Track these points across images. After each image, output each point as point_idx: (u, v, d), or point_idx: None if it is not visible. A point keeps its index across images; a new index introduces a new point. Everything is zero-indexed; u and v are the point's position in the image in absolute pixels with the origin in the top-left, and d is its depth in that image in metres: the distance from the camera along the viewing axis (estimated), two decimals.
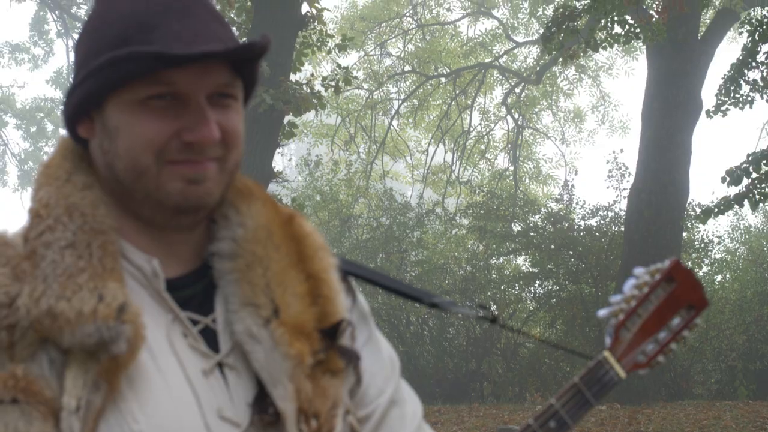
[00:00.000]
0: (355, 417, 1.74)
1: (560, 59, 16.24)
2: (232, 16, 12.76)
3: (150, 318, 1.62)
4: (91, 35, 1.64)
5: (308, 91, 12.77)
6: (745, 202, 11.80)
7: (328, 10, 12.87)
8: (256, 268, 1.66)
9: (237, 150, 1.67)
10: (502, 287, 18.25)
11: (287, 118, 13.59)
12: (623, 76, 50.82)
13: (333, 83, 13.28)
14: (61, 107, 1.61)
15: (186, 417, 1.59)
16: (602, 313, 1.85)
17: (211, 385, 1.63)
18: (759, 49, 12.36)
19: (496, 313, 1.78)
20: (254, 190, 1.76)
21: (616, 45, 12.96)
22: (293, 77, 13.12)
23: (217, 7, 13.64)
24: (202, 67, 1.60)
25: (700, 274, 17.42)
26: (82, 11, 22.92)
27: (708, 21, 18.17)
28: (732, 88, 12.93)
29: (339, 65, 13.52)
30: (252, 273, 1.66)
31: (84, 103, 1.64)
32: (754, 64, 12.62)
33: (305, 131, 23.83)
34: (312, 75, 13.51)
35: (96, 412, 1.54)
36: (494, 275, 18.40)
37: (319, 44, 13.31)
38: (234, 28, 12.82)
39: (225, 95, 1.65)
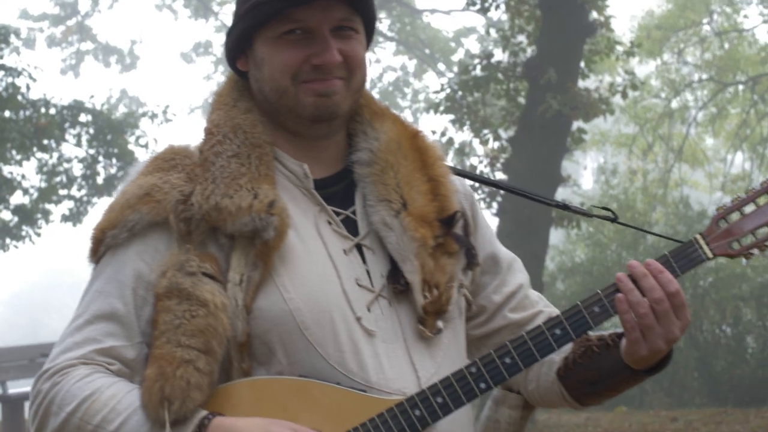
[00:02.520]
0: (468, 290, 2.14)
1: None
2: (521, 24, 13.21)
3: (300, 210, 2.02)
4: None
5: (597, 97, 13.08)
6: None
7: (614, 17, 13.15)
8: (388, 172, 2.06)
9: (360, 71, 2.07)
10: None
11: (576, 124, 13.92)
12: None
13: (620, 89, 13.52)
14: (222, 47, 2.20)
15: (327, 285, 1.97)
16: (712, 210, 2.14)
17: (350, 260, 2.02)
18: None
19: (616, 213, 2.18)
20: (386, 111, 2.16)
21: None
22: (581, 83, 13.41)
23: (505, 16, 14.04)
24: (324, 5, 1.99)
25: None
26: None
27: None
28: None
29: (627, 71, 13.74)
30: (385, 176, 2.06)
31: (238, 42, 2.07)
32: None
33: (603, 140, 24.04)
34: (600, 81, 13.76)
35: (255, 285, 1.93)
36: None
37: (607, 51, 13.57)
38: (524, 36, 13.39)
39: (346, 28, 2.03)
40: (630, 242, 18.97)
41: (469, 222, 2.15)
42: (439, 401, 1.91)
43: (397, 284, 2.02)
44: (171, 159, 2.04)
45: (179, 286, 1.91)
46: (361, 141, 2.11)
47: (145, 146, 16.29)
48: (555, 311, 2.23)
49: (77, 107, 16.02)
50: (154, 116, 17.07)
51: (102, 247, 2.01)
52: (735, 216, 2.03)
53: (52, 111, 15.73)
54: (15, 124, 14.64)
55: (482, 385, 1.93)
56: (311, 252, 1.99)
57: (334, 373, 1.93)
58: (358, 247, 2.05)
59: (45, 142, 15.42)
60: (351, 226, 2.06)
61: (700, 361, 17.31)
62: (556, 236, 20.76)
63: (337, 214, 2.06)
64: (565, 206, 2.38)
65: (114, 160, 16.14)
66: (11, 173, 15.42)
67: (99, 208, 16.38)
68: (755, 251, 2.02)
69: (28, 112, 15.27)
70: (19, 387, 13.00)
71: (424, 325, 2.00)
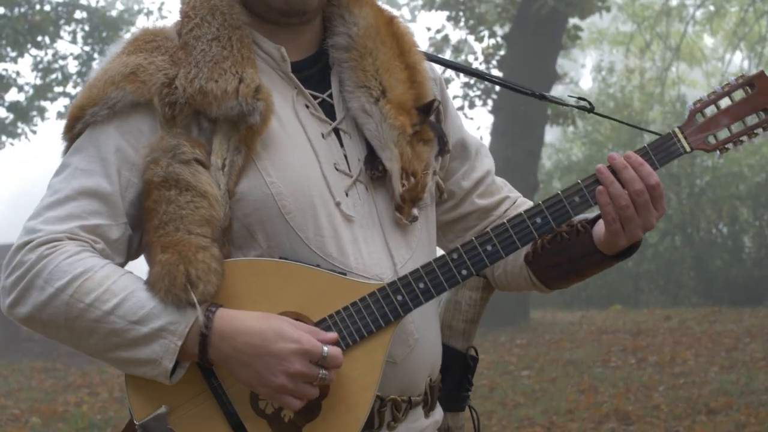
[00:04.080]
0: (440, 176, 2.16)
1: None
2: None
3: (278, 94, 1.99)
4: None
5: None
6: None
7: None
8: (367, 58, 2.05)
9: None
10: None
11: (572, 22, 13.88)
12: None
13: None
14: None
15: (307, 169, 1.97)
16: (688, 104, 2.05)
17: (328, 144, 2.02)
18: None
19: (592, 103, 2.18)
20: None
21: None
22: None
23: None
24: None
25: None
26: None
27: None
28: None
29: None
30: (364, 62, 2.04)
31: None
32: None
33: (600, 38, 23.93)
34: None
35: (238, 170, 1.93)
36: None
37: None
38: None
39: None
40: (627, 141, 19.03)
41: (440, 109, 2.15)
42: (421, 287, 1.92)
43: (374, 170, 2.02)
44: (152, 41, 2.00)
45: (177, 176, 1.89)
46: (339, 25, 2.09)
47: None
48: (518, 196, 2.29)
49: (72, 4, 15.90)
50: (149, 13, 16.97)
51: (79, 124, 1.96)
52: (710, 110, 2.03)
53: (47, 7, 15.62)
54: (9, 21, 14.57)
55: (464, 272, 1.95)
56: (291, 136, 1.99)
57: (314, 258, 1.94)
58: (336, 132, 2.05)
59: (39, 38, 15.34)
60: (327, 109, 2.05)
61: (696, 260, 17.49)
62: (553, 134, 20.81)
63: (314, 97, 2.05)
64: (541, 96, 2.37)
65: None
66: (6, 70, 15.39)
67: None
68: (729, 146, 2.04)
69: (22, 9, 15.18)
70: None
71: (401, 212, 2.02)
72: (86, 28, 15.98)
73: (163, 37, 2.01)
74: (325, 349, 1.82)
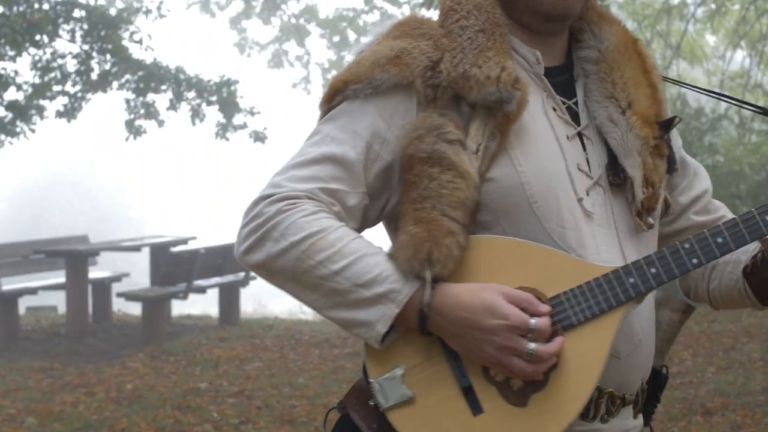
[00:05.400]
0: (667, 191, 2.25)
1: None
2: None
3: (531, 92, 2.11)
4: None
5: None
6: None
7: None
8: (616, 72, 2.18)
9: None
10: None
11: None
12: None
13: None
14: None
15: (554, 164, 2.10)
16: None
17: (572, 146, 2.14)
18: None
19: None
20: (610, 15, 2.28)
21: None
22: None
23: None
24: None
25: None
26: None
27: None
28: None
29: None
30: (614, 75, 2.18)
31: None
32: None
33: None
34: None
35: (491, 155, 2.05)
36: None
37: None
38: None
39: None
40: None
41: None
42: (653, 271, 2.00)
43: (616, 177, 2.13)
44: (418, 27, 2.13)
45: (442, 154, 2.00)
46: (589, 39, 2.22)
47: (140, 42, 16.14)
48: (735, 217, 2.28)
49: (71, 2, 15.85)
50: (148, 12, 16.93)
51: (339, 96, 2.11)
52: None
53: (46, 6, 15.59)
54: (7, 20, 14.54)
55: (694, 261, 2.02)
56: (540, 132, 2.11)
57: (555, 247, 2.04)
58: (579, 136, 2.16)
59: (38, 37, 15.31)
60: (572, 115, 2.17)
61: None
62: None
63: (562, 102, 2.17)
64: (765, 111, 2.40)
65: (108, 56, 15.99)
66: (4, 69, 15.35)
67: (93, 104, 16.50)
68: None
69: (21, 8, 15.15)
70: (12, 284, 13.10)
71: (639, 218, 2.13)
72: (85, 26, 15.91)
73: (429, 26, 2.14)
74: (532, 321, 1.92)
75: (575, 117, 2.18)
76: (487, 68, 2.04)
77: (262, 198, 2.02)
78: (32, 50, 15.65)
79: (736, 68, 23.84)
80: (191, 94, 16.28)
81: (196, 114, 16.34)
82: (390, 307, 1.94)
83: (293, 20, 24.34)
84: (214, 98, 16.16)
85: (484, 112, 2.05)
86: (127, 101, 16.27)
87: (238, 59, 25.73)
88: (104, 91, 16.13)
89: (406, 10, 22.29)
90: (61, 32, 15.93)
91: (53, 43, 15.95)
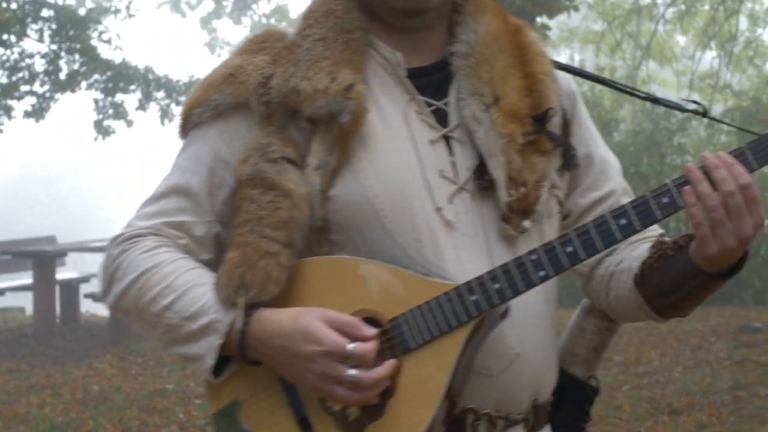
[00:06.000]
0: (562, 192, 2.07)
1: None
2: None
3: (391, 98, 2.00)
4: None
5: None
6: None
7: None
8: (483, 65, 2.01)
9: None
10: (765, 194, 17.96)
11: (539, 20, 13.87)
12: None
13: None
14: None
15: (408, 173, 1.95)
16: None
17: (435, 151, 1.98)
18: None
19: (707, 106, 2.06)
20: (489, 4, 2.09)
21: None
22: None
23: None
24: None
25: None
26: None
27: None
28: None
29: None
30: (480, 69, 2.01)
31: None
32: None
33: (571, 37, 23.95)
34: None
35: (332, 171, 1.93)
36: (757, 181, 18.08)
37: None
38: None
39: None
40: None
41: (568, 120, 2.10)
42: (496, 287, 1.86)
43: (481, 180, 1.97)
44: (262, 41, 2.05)
45: (263, 174, 1.92)
46: (461, 33, 2.06)
47: (108, 42, 16.08)
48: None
49: (39, 2, 15.76)
50: (117, 11, 16.85)
51: (189, 124, 2.05)
52: None
53: (14, 5, 15.50)
54: None
55: (541, 273, 1.87)
56: (395, 140, 1.97)
57: (411, 262, 1.91)
58: (447, 139, 2.01)
59: (5, 37, 15.21)
60: (442, 117, 2.02)
61: None
62: None
63: (429, 105, 2.03)
64: (655, 99, 2.26)
65: (77, 56, 15.92)
66: None
67: (62, 104, 16.40)
68: None
69: None
70: None
71: (508, 223, 1.96)
72: (53, 26, 15.83)
73: (275, 39, 2.05)
74: (349, 347, 1.80)
75: (446, 119, 2.02)
76: (316, 80, 1.93)
77: (112, 240, 2.01)
78: (0, 50, 15.54)
79: (705, 68, 23.98)
80: (160, 94, 16.25)
81: (165, 114, 16.31)
82: (214, 338, 1.87)
83: (264, 20, 24.28)
84: (183, 98, 16.10)
85: (324, 126, 1.94)
86: (96, 101, 16.20)
87: (208, 59, 25.67)
88: (73, 91, 16.05)
89: None
90: (29, 32, 15.84)
91: (21, 43, 15.86)
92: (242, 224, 1.93)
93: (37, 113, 15.94)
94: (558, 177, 2.06)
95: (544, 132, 2.01)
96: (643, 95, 2.28)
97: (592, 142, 2.18)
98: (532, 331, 1.99)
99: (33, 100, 15.92)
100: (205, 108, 2.01)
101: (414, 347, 1.87)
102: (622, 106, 21.46)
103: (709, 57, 24.10)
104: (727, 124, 2.45)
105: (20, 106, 15.95)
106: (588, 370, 2.18)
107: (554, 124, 2.05)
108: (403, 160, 1.96)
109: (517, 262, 1.87)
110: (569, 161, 2.07)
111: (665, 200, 1.85)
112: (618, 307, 2.11)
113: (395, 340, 1.88)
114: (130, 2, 16.80)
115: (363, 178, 1.94)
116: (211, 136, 2.01)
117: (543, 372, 2.04)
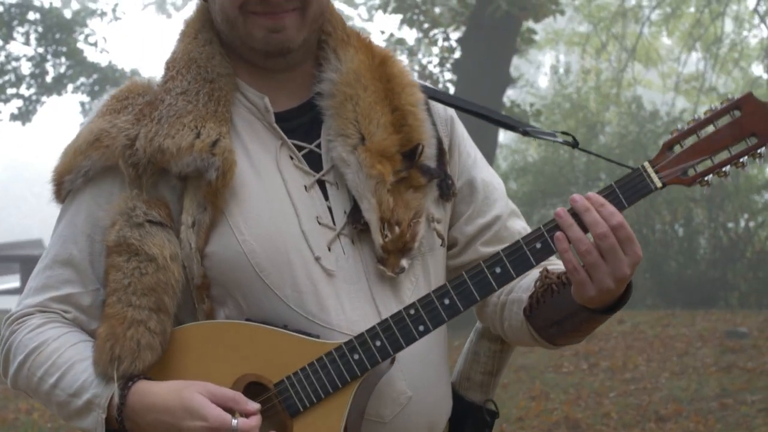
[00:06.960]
0: (440, 224, 2.03)
1: None
2: None
3: (261, 145, 1.96)
4: None
5: None
6: None
7: None
8: (346, 105, 1.95)
9: (315, 1, 1.94)
10: (752, 196, 18.00)
11: (526, 24, 13.91)
12: None
13: None
14: None
15: (284, 224, 1.91)
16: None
17: (311, 197, 1.94)
18: None
19: (576, 137, 2.02)
20: (352, 38, 2.03)
21: None
22: None
23: None
24: None
25: None
26: None
27: None
28: None
29: None
30: (343, 108, 1.95)
31: None
32: None
33: (556, 39, 23.97)
34: None
35: (206, 228, 1.89)
36: (742, 183, 18.15)
37: None
38: None
39: None
40: (582, 144, 19.05)
41: (444, 150, 2.05)
42: (378, 345, 1.85)
43: (357, 223, 1.94)
44: (125, 98, 1.98)
45: (127, 240, 1.88)
46: (325, 71, 2.01)
47: (95, 45, 16.08)
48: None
49: (25, 5, 15.76)
50: (103, 14, 16.83)
51: (63, 190, 2.00)
52: (691, 140, 1.84)
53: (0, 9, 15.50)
54: None
55: (421, 328, 1.86)
56: (268, 190, 1.93)
57: (293, 315, 1.89)
58: (321, 183, 1.97)
59: None
60: (316, 160, 1.98)
61: (650, 261, 17.53)
62: (508, 135, 20.85)
63: (301, 148, 1.98)
64: (525, 132, 2.14)
65: (63, 59, 15.93)
66: None
67: (48, 107, 16.39)
68: (710, 177, 1.85)
69: None
70: None
71: (385, 264, 1.93)
72: (39, 29, 15.84)
73: (137, 94, 1.99)
74: (234, 422, 1.79)
75: (319, 162, 1.98)
76: (179, 137, 1.88)
77: (5, 320, 2.01)
78: None
79: (691, 71, 24.04)
80: None
81: None
82: (98, 412, 1.86)
83: None
84: None
85: (194, 182, 1.90)
86: (82, 104, 16.18)
87: None
88: (59, 93, 16.04)
89: (362, 12, 22.28)
90: (15, 35, 15.83)
91: (7, 46, 15.86)
92: (110, 294, 1.90)
93: (23, 116, 15.94)
94: (437, 209, 2.03)
95: (417, 167, 1.97)
96: (521, 129, 2.14)
97: (474, 167, 2.13)
98: (423, 370, 1.98)
99: (19, 102, 15.93)
100: (75, 175, 1.96)
101: (302, 409, 1.87)
102: (608, 108, 21.51)
103: (695, 59, 24.19)
104: (601, 157, 2.37)
105: (6, 109, 15.94)
106: (484, 394, 2.18)
107: (428, 156, 1.99)
108: (277, 210, 1.92)
109: (396, 318, 1.86)
110: (446, 192, 2.03)
111: (538, 246, 1.84)
112: (513, 335, 2.09)
113: (282, 405, 1.88)
114: (116, 5, 16.83)
115: (238, 233, 1.90)
116: (85, 202, 1.97)
117: (437, 408, 2.04)
